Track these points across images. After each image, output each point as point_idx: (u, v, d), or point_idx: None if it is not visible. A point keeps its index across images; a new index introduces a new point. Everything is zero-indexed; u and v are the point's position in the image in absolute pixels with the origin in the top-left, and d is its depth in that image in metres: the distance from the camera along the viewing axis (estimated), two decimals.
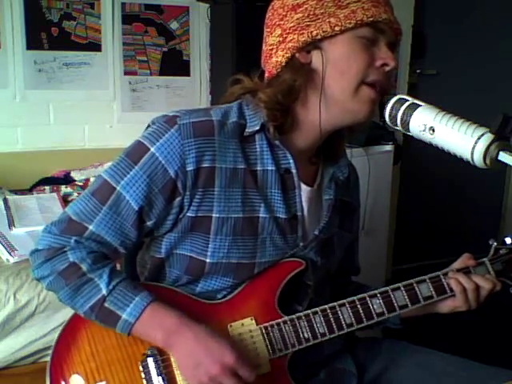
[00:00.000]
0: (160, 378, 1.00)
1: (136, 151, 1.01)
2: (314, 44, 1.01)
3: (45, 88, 2.54)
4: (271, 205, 1.05)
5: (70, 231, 1.01)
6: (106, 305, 0.98)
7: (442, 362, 1.20)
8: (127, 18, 2.67)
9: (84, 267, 0.99)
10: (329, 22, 0.99)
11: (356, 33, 0.99)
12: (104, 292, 0.98)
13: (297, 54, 1.02)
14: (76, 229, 1.01)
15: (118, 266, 1.13)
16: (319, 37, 1.00)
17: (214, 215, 1.01)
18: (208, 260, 1.03)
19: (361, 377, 1.22)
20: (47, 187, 2.35)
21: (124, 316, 0.97)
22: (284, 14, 1.03)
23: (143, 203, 1.00)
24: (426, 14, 3.31)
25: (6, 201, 2.10)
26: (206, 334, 0.97)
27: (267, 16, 1.08)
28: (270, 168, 1.05)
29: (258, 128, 1.04)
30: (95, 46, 2.62)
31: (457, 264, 1.17)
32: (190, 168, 0.99)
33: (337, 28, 0.99)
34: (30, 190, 2.36)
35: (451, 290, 1.12)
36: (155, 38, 2.73)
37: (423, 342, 1.29)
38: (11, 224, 1.93)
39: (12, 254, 1.76)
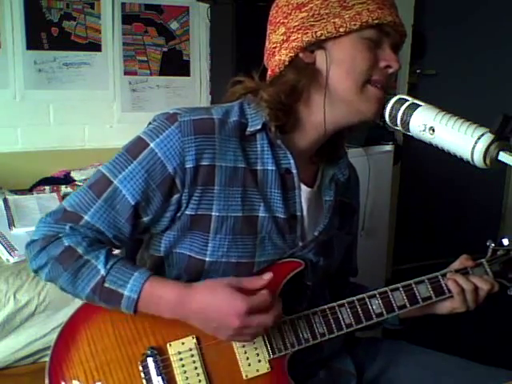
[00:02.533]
0: (160, 377, 1.00)
1: (135, 146, 1.02)
2: (318, 44, 1.01)
3: (45, 88, 2.54)
4: (271, 204, 1.05)
5: (64, 220, 1.01)
6: (107, 285, 0.97)
7: (441, 362, 1.21)
8: (127, 18, 2.66)
9: (80, 250, 0.98)
10: (333, 22, 0.98)
11: (361, 34, 0.99)
12: (102, 272, 0.97)
13: (300, 54, 1.02)
14: (71, 218, 1.01)
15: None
16: (323, 37, 0.99)
17: (213, 214, 1.01)
18: (207, 259, 1.03)
19: (360, 377, 1.22)
20: (47, 187, 2.35)
21: (126, 293, 0.97)
22: (288, 12, 1.02)
23: (140, 198, 1.00)
24: (426, 14, 3.31)
25: (5, 201, 2.10)
26: (206, 295, 0.97)
27: (271, 13, 1.07)
28: (270, 168, 1.05)
29: (259, 127, 1.04)
30: (95, 46, 2.62)
31: (455, 265, 1.17)
32: (189, 165, 0.98)
33: (341, 29, 0.98)
34: (30, 190, 2.36)
35: (449, 290, 1.12)
36: (155, 37, 2.73)
37: (422, 342, 1.29)
38: (11, 224, 1.93)
39: (12, 253, 1.76)
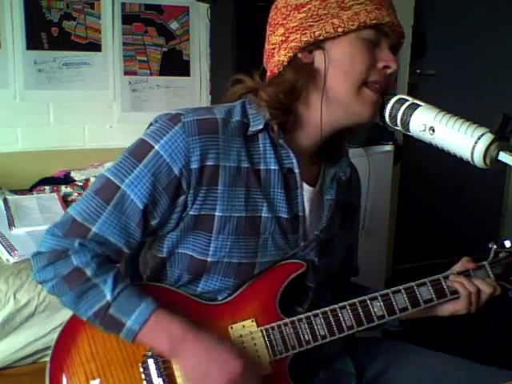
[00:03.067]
0: (160, 379, 1.00)
1: (140, 149, 1.00)
2: (316, 44, 1.01)
3: (45, 88, 2.54)
4: (274, 204, 1.05)
5: (73, 233, 0.99)
6: (111, 312, 0.96)
7: (441, 363, 1.21)
8: (127, 18, 2.66)
9: (88, 272, 0.97)
10: (332, 23, 0.99)
11: (359, 34, 0.99)
12: (108, 298, 0.96)
13: (299, 54, 1.02)
14: (79, 231, 0.99)
15: (119, 265, 1.12)
16: (322, 37, 1.00)
17: (216, 214, 1.01)
18: (209, 259, 1.03)
19: (360, 377, 1.22)
20: (47, 187, 2.35)
21: (128, 324, 0.96)
22: (287, 13, 1.02)
23: (148, 202, 0.99)
24: (426, 14, 3.31)
25: (5, 201, 2.10)
26: (211, 342, 0.96)
27: (270, 15, 1.08)
28: (273, 167, 1.05)
29: (261, 127, 1.04)
30: (95, 46, 2.62)
31: (457, 267, 1.17)
32: (194, 166, 0.98)
33: (339, 29, 0.99)
34: (30, 190, 2.36)
35: (451, 293, 1.12)
36: (155, 37, 2.73)
37: (423, 342, 1.29)
38: (11, 224, 1.93)
39: (12, 254, 1.76)
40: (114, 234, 0.99)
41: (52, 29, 2.52)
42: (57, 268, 0.98)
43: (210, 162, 0.99)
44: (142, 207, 0.98)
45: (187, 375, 0.98)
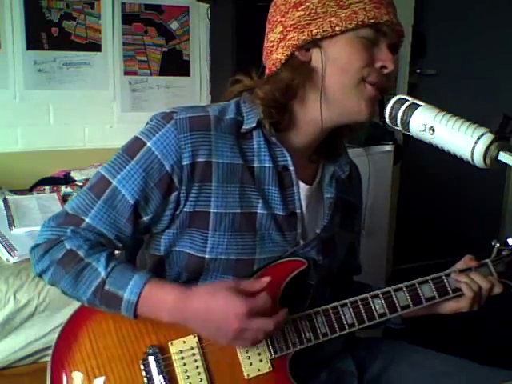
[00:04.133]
0: (161, 376, 1.00)
1: (133, 146, 1.02)
2: (313, 42, 1.01)
3: (45, 88, 2.54)
4: (269, 201, 1.05)
5: (66, 223, 1.02)
6: (107, 288, 0.97)
7: (441, 363, 1.21)
8: (127, 18, 2.66)
9: (81, 253, 0.99)
10: (330, 21, 0.99)
11: (357, 33, 0.99)
12: (103, 275, 0.97)
13: (296, 52, 1.02)
14: (72, 221, 1.01)
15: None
16: (319, 36, 0.99)
17: (211, 210, 1.01)
18: (207, 256, 1.03)
19: (361, 377, 1.22)
20: (47, 187, 2.35)
21: (125, 296, 0.96)
22: (286, 11, 1.02)
23: (139, 197, 1.00)
24: (426, 14, 3.31)
25: (5, 201, 2.10)
26: (206, 297, 0.96)
27: (270, 12, 1.08)
28: (267, 165, 1.05)
29: (254, 125, 1.04)
30: (95, 46, 2.62)
31: (459, 265, 1.17)
32: (185, 162, 0.99)
33: (337, 28, 0.98)
34: (30, 190, 2.36)
35: (453, 291, 1.12)
36: (155, 38, 2.73)
37: (423, 342, 1.29)
38: (11, 224, 1.93)
39: (12, 253, 1.76)
40: (104, 227, 1.01)
41: (52, 29, 2.52)
42: (52, 254, 1.00)
43: (201, 159, 1.00)
44: (132, 202, 1.00)
45: (203, 335, 1.00)
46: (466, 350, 1.46)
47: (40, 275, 1.04)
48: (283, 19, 1.03)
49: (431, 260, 3.23)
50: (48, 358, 1.02)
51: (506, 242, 1.17)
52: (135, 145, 1.02)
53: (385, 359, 1.24)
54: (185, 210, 1.02)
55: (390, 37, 1.01)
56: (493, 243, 1.18)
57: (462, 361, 1.21)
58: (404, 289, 1.11)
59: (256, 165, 1.05)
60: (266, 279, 0.98)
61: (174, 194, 1.01)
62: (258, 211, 1.04)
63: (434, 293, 1.12)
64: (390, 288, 1.11)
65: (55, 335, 1.03)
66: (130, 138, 1.05)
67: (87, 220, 1.01)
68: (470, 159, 0.83)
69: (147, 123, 1.05)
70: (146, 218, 1.03)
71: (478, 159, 0.81)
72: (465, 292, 1.11)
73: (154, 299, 0.97)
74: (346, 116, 1.05)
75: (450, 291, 1.12)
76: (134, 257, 1.19)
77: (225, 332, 0.95)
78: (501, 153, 0.80)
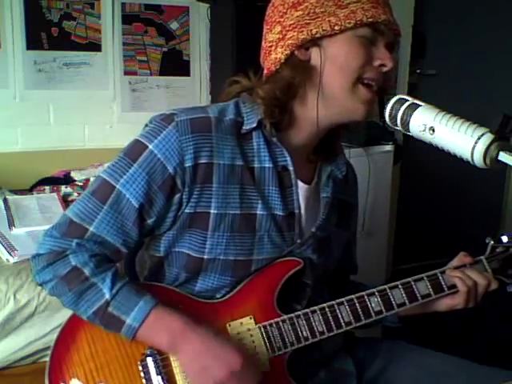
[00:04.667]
0: (159, 377, 1.00)
1: (134, 149, 1.02)
2: (313, 42, 1.01)
3: (45, 88, 2.54)
4: (268, 202, 1.06)
5: (70, 234, 1.00)
6: (110, 310, 0.97)
7: (441, 363, 1.21)
8: (127, 18, 2.66)
9: (87, 271, 0.98)
10: (329, 21, 0.99)
11: (355, 32, 1.00)
12: (107, 297, 0.97)
13: (296, 52, 1.02)
14: (77, 231, 1.00)
15: (118, 265, 1.12)
16: (319, 35, 1.00)
17: (211, 211, 1.01)
18: (205, 256, 1.03)
19: (360, 376, 1.22)
20: (47, 187, 2.35)
21: (128, 321, 0.97)
22: (284, 11, 1.03)
23: (143, 201, 0.99)
24: (426, 14, 3.31)
25: (5, 201, 2.10)
26: (211, 337, 0.97)
27: (267, 13, 1.08)
28: (267, 165, 1.05)
29: (254, 125, 1.05)
30: (95, 46, 2.62)
31: (454, 262, 1.17)
32: (188, 164, 0.99)
33: (336, 27, 0.99)
34: (30, 190, 2.36)
35: (449, 288, 1.12)
36: (155, 38, 2.73)
37: (422, 342, 1.29)
38: (11, 224, 1.93)
39: (12, 254, 1.76)
40: (110, 233, 1.00)
41: (52, 29, 2.52)
42: (55, 269, 0.99)
43: (203, 160, 1.00)
44: (137, 206, 0.99)
45: (187, 370, 0.98)
46: (466, 349, 1.46)
47: (40, 285, 1.03)
48: (282, 19, 1.03)
49: (431, 260, 3.22)
50: (48, 359, 1.02)
51: (500, 240, 1.18)
52: (137, 148, 1.01)
53: (384, 359, 1.24)
54: (186, 211, 1.02)
55: (387, 36, 1.02)
56: (487, 240, 1.18)
57: (461, 361, 1.21)
58: (400, 286, 1.11)
59: (256, 165, 1.05)
60: None
61: (177, 195, 1.01)
62: (258, 212, 1.04)
63: (429, 290, 1.12)
64: (385, 286, 1.11)
65: (55, 335, 1.03)
66: (131, 141, 1.04)
67: (91, 229, 1.00)
68: (470, 159, 0.83)
69: (146, 125, 1.05)
70: (150, 221, 1.02)
71: (478, 159, 0.81)
72: (459, 287, 1.12)
73: (157, 326, 0.97)
74: (343, 115, 1.05)
75: (446, 288, 1.13)
76: (133, 258, 1.19)
77: (209, 374, 0.95)
78: (501, 153, 0.80)
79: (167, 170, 0.99)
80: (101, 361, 1.00)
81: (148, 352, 1.00)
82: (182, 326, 0.97)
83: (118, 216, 1.00)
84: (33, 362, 1.67)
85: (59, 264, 0.99)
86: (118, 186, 1.00)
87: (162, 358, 1.01)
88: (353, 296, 1.09)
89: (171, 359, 1.01)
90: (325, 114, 1.04)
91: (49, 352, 1.02)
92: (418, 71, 3.43)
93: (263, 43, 1.09)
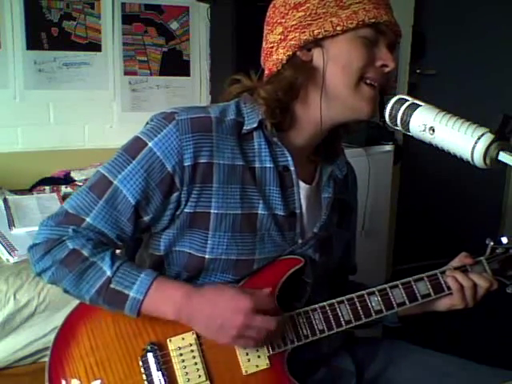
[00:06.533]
0: (159, 373, 1.00)
1: (134, 146, 1.02)
2: (315, 42, 1.02)
3: (45, 88, 2.54)
4: (270, 202, 1.06)
5: (66, 223, 1.01)
6: (112, 286, 0.98)
7: (441, 363, 1.21)
8: (127, 18, 2.66)
9: (85, 252, 0.99)
10: (331, 21, 1.00)
11: (357, 33, 1.00)
12: (109, 273, 0.98)
13: (298, 52, 1.03)
14: (73, 220, 1.01)
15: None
16: (321, 36, 1.00)
17: (212, 211, 1.02)
18: (207, 256, 1.03)
19: (360, 376, 1.22)
20: (47, 187, 2.35)
21: (132, 294, 0.97)
22: (286, 12, 1.03)
23: (140, 198, 1.00)
24: (426, 14, 3.31)
25: (5, 201, 2.10)
26: (214, 293, 0.98)
27: (268, 14, 1.08)
28: (268, 165, 1.06)
29: (255, 125, 1.05)
30: (95, 46, 2.62)
31: (454, 262, 1.17)
32: (187, 163, 0.99)
33: (338, 28, 0.99)
34: (30, 190, 2.36)
35: (448, 288, 1.13)
36: (155, 38, 2.73)
37: (423, 342, 1.29)
38: (11, 224, 1.93)
39: (12, 253, 1.76)
40: (105, 227, 1.01)
41: (52, 29, 2.52)
42: (54, 255, 1.00)
43: (203, 160, 1.00)
44: (133, 203, 1.00)
45: (205, 333, 1.00)
46: (465, 349, 1.46)
47: (39, 274, 1.04)
48: (283, 20, 1.03)
49: (431, 260, 3.22)
50: (48, 353, 1.02)
51: (500, 241, 1.18)
52: (136, 145, 1.02)
53: (384, 359, 1.24)
54: (185, 210, 1.02)
55: (388, 36, 1.03)
56: (487, 242, 1.19)
57: (462, 360, 1.21)
58: (400, 286, 1.11)
59: (257, 165, 1.05)
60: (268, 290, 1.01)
61: (175, 194, 1.01)
62: (259, 212, 1.05)
63: (429, 290, 1.12)
64: (386, 285, 1.11)
65: (55, 333, 1.03)
66: (131, 138, 1.04)
67: (88, 220, 1.00)
68: (469, 159, 0.83)
69: (147, 123, 1.06)
70: (146, 218, 1.03)
71: (477, 159, 0.81)
72: (451, 286, 1.12)
73: (161, 296, 0.98)
74: (347, 114, 1.05)
75: (445, 288, 1.13)
76: (133, 256, 1.19)
77: (228, 328, 0.96)
78: (501, 153, 0.80)
79: (166, 168, 0.99)
80: (101, 356, 1.01)
81: (148, 348, 1.01)
82: (186, 293, 0.98)
83: (113, 212, 1.00)
84: (33, 362, 1.67)
85: (57, 250, 1.00)
86: (115, 182, 1.00)
87: (163, 353, 1.01)
88: (353, 295, 1.10)
89: (172, 355, 1.01)
90: (327, 114, 1.05)
91: (49, 352, 1.02)
92: (418, 71, 3.43)
93: (264, 44, 1.09)
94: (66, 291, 1.02)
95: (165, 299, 0.98)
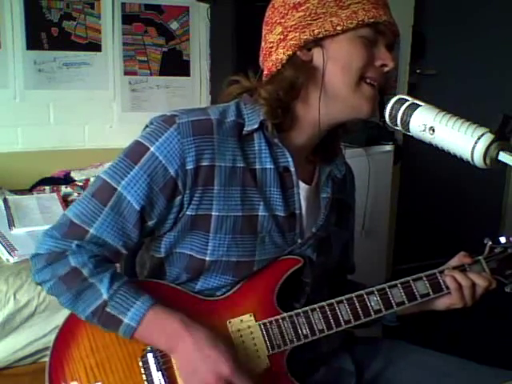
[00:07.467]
0: (159, 373, 1.00)
1: (135, 151, 1.01)
2: (315, 42, 1.02)
3: (45, 88, 2.55)
4: (270, 203, 1.06)
5: (71, 235, 1.00)
6: (108, 309, 0.97)
7: (441, 362, 1.21)
8: (127, 18, 2.67)
9: (85, 272, 0.98)
10: (331, 21, 1.00)
11: (357, 33, 1.01)
12: (105, 297, 0.97)
13: (298, 52, 1.03)
14: (77, 232, 1.00)
15: (118, 266, 1.12)
16: (321, 35, 1.00)
17: (213, 213, 1.01)
18: (208, 258, 1.03)
19: (359, 376, 1.22)
20: (47, 187, 2.35)
21: (126, 320, 0.96)
22: (285, 12, 1.03)
23: (144, 203, 0.99)
24: (426, 14, 3.31)
25: (5, 201, 2.10)
26: (205, 340, 0.96)
27: (267, 14, 1.08)
28: (268, 166, 1.05)
29: (256, 126, 1.05)
30: (95, 46, 2.62)
31: (453, 262, 1.17)
32: (189, 166, 0.99)
33: (338, 27, 1.00)
34: (30, 190, 2.36)
35: (447, 287, 1.13)
36: (155, 38, 2.73)
37: (422, 342, 1.29)
38: (11, 224, 1.93)
39: (12, 253, 1.76)
40: (111, 235, 1.00)
41: (52, 29, 2.52)
42: (54, 269, 0.99)
43: (205, 163, 1.00)
44: (138, 208, 0.99)
45: (180, 370, 0.99)
46: (465, 349, 1.46)
47: (39, 284, 1.03)
48: (282, 20, 1.03)
49: (431, 260, 3.22)
50: (48, 354, 1.02)
51: (498, 240, 1.19)
52: (138, 149, 1.01)
53: (384, 359, 1.24)
54: (187, 213, 1.02)
55: (388, 36, 1.03)
56: (485, 241, 1.19)
57: (461, 360, 1.21)
58: (399, 285, 1.11)
59: (258, 167, 1.05)
60: None
61: (178, 198, 1.01)
62: (260, 213, 1.04)
63: (428, 289, 1.12)
64: (385, 285, 1.11)
65: (55, 333, 1.03)
66: (131, 142, 1.03)
67: (92, 231, 0.99)
68: (469, 159, 0.83)
69: (147, 126, 1.05)
70: (150, 223, 1.02)
71: (477, 159, 0.81)
72: (449, 285, 1.12)
73: (154, 327, 0.97)
74: (346, 113, 1.05)
75: (444, 287, 1.13)
76: (133, 259, 1.19)
77: (198, 378, 0.94)
78: (501, 153, 0.80)
79: (169, 172, 0.99)
80: (101, 357, 1.00)
81: (149, 348, 1.01)
82: (179, 327, 0.97)
83: (118, 218, 1.00)
84: (33, 362, 1.67)
85: (58, 264, 0.99)
86: (119, 188, 0.99)
87: (163, 354, 1.01)
88: (352, 295, 1.10)
89: (171, 356, 1.01)
90: (327, 114, 1.05)
91: (48, 353, 1.02)
92: (418, 71, 3.43)
93: (263, 44, 1.09)
94: (62, 305, 1.02)
95: (158, 329, 0.97)
